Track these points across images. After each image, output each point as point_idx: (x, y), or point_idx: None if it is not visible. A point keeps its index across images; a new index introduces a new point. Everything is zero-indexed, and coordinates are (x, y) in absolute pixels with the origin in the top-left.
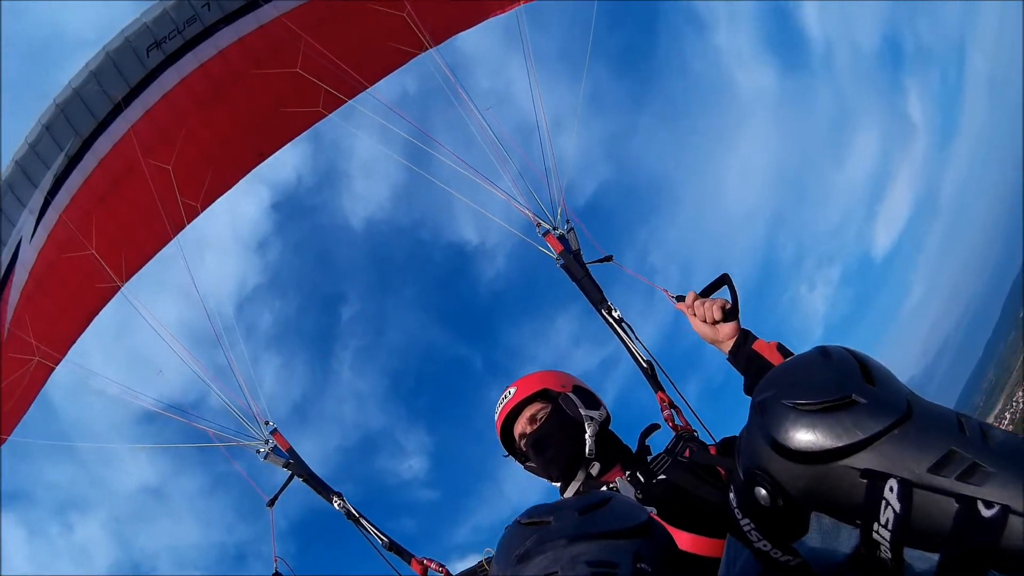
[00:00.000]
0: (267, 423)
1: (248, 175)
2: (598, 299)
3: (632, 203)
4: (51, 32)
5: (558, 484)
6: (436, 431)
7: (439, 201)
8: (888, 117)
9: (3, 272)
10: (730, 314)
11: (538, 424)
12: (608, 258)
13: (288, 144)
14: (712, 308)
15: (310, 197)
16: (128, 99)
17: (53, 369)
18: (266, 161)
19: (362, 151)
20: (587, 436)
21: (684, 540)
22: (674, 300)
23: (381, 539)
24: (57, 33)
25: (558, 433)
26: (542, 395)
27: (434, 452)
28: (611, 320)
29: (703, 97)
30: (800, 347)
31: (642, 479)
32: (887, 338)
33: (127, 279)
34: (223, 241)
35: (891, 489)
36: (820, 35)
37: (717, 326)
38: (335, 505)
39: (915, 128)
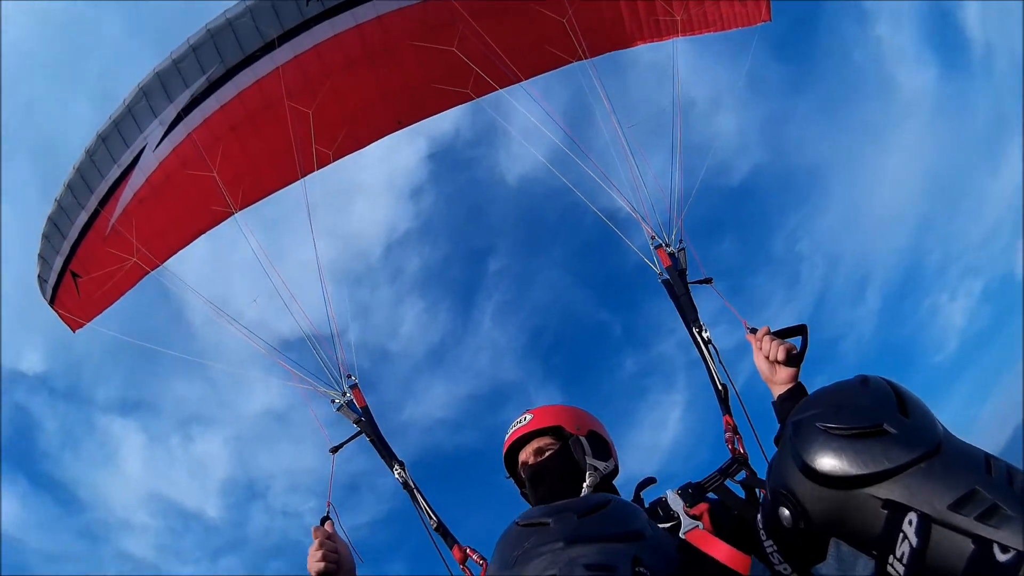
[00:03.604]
0: (349, 376)
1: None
2: (692, 318)
3: (785, 188)
4: None
5: None
6: (566, 390)
7: (595, 169)
8: None
9: (121, 171)
10: (793, 360)
11: (542, 459)
12: (708, 280)
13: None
14: (779, 348)
15: (467, 150)
16: (281, 40)
17: (147, 272)
18: None
19: (520, 118)
20: (585, 485)
21: (722, 551)
22: (748, 329)
23: (432, 518)
24: None
25: (557, 473)
26: (555, 431)
27: None
28: (700, 339)
29: (861, 89)
30: (935, 357)
31: (692, 494)
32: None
33: (242, 208)
34: (377, 186)
35: (910, 523)
36: (980, 37)
37: (777, 367)
38: (395, 474)
39: None
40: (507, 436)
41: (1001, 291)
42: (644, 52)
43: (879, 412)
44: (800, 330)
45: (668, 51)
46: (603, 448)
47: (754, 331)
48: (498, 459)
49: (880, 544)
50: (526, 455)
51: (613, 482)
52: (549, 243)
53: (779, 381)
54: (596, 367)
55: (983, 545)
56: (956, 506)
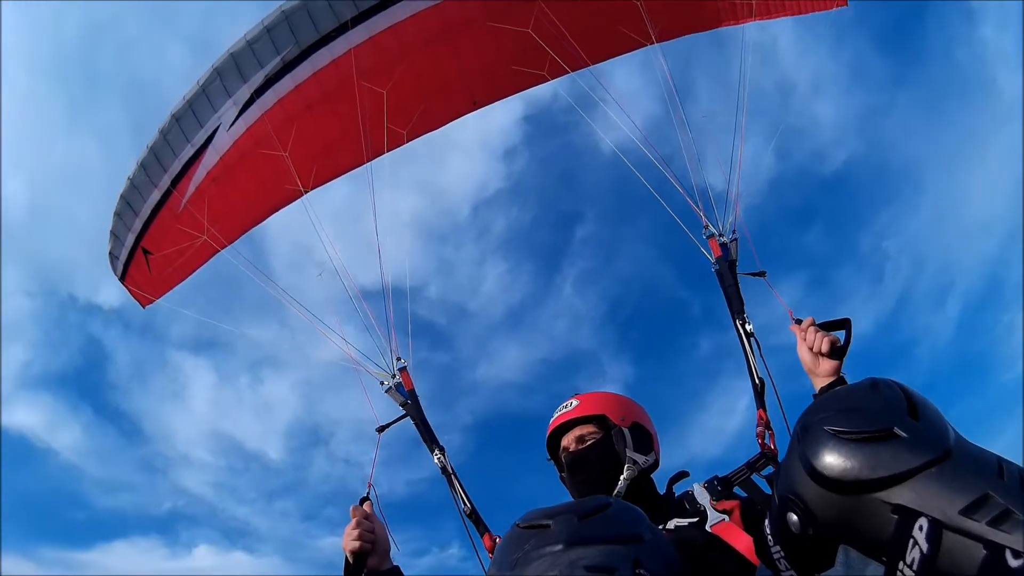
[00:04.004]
0: (399, 359)
1: None
2: (738, 309)
3: (878, 182)
4: None
5: None
6: (639, 364)
7: (689, 144)
8: None
9: (195, 150)
10: (836, 353)
11: (583, 447)
12: (762, 274)
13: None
14: (823, 340)
15: (563, 115)
16: (356, 21)
17: (217, 250)
18: None
19: (620, 82)
20: (622, 478)
21: (743, 543)
22: (793, 320)
23: (466, 504)
24: None
25: (597, 463)
26: (599, 420)
27: (632, 384)
28: (743, 332)
29: (963, 89)
30: (1005, 375)
31: (719, 487)
32: None
33: (313, 187)
34: (471, 144)
35: (920, 528)
36: None
37: (820, 359)
38: (434, 458)
39: None
40: (552, 420)
41: None
42: (747, 30)
43: (889, 415)
44: (844, 323)
45: (772, 31)
46: (646, 441)
47: (799, 322)
48: None
49: (890, 550)
50: (568, 441)
51: (653, 476)
52: (637, 213)
53: (822, 373)
54: (672, 345)
55: (995, 551)
56: (967, 511)
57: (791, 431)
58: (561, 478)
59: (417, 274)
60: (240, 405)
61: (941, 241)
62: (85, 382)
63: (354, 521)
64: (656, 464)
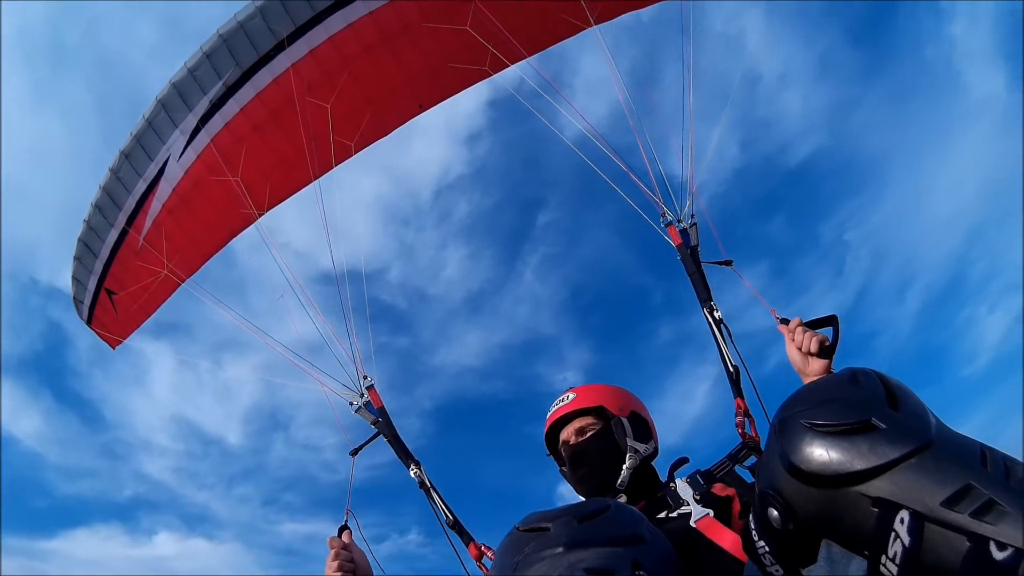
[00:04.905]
0: (365, 377)
1: None
2: (704, 297)
3: (843, 174)
4: None
5: (583, 499)
6: (600, 350)
7: (656, 131)
8: None
9: (147, 184)
10: (826, 352)
11: (583, 439)
12: (728, 263)
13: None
14: (811, 339)
15: (529, 100)
16: (292, 38)
17: (180, 283)
18: None
19: (588, 69)
20: (624, 468)
21: (728, 540)
22: (778, 320)
23: (447, 516)
24: None
25: (598, 454)
26: (598, 411)
27: (592, 371)
28: (711, 319)
29: (931, 86)
30: (965, 370)
31: (702, 482)
32: None
33: (268, 209)
34: (435, 128)
35: (902, 521)
36: None
37: (809, 359)
38: (411, 473)
39: None
40: (549, 414)
41: None
42: (716, 23)
43: (867, 407)
44: (831, 321)
45: (740, 22)
46: (644, 430)
47: (785, 321)
48: (522, 410)
49: (872, 544)
50: (567, 434)
51: (653, 463)
52: (602, 199)
53: (812, 372)
54: (632, 331)
55: (979, 543)
56: (949, 502)
57: (769, 418)
58: (561, 472)
59: (380, 257)
60: (201, 388)
61: (903, 235)
62: (46, 367)
63: (332, 553)
64: (656, 452)
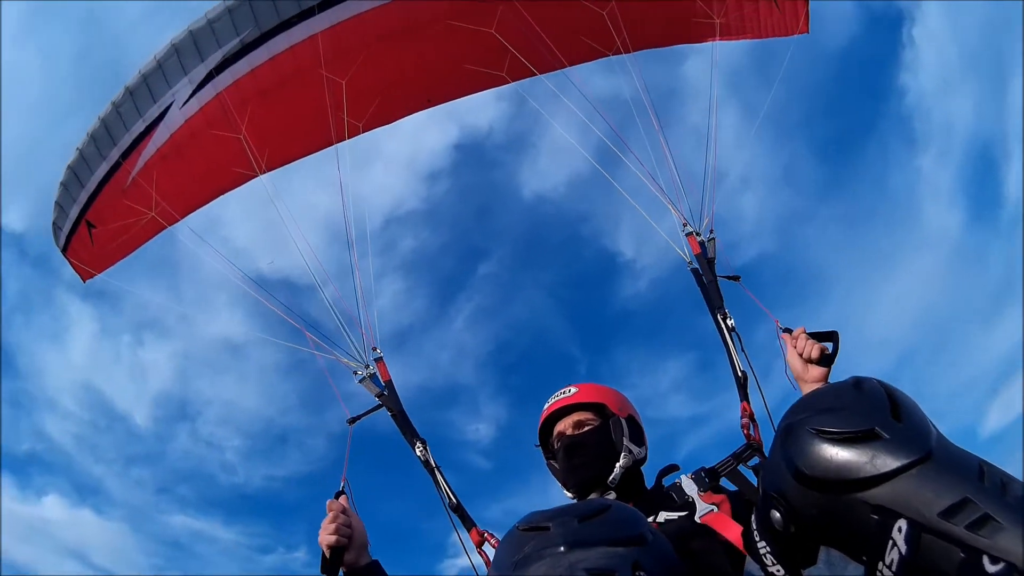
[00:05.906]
0: (375, 348)
1: (442, 110)
2: (717, 304)
3: (784, 283)
4: None
5: (571, 495)
6: (515, 409)
7: (610, 207)
8: None
9: (146, 125)
10: (826, 360)
11: (581, 432)
12: (736, 278)
13: (481, 94)
14: (813, 347)
15: (494, 152)
16: (321, 6)
17: (164, 227)
18: (465, 100)
19: (556, 133)
20: (618, 465)
21: (734, 533)
22: (780, 329)
23: (451, 498)
24: None
25: (594, 448)
26: (598, 408)
27: (504, 427)
28: (724, 326)
29: (888, 212)
30: None
31: (706, 479)
32: None
33: (267, 171)
34: (398, 158)
35: (899, 529)
36: (1016, 197)
37: (809, 366)
38: (416, 451)
39: None
40: (548, 404)
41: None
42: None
43: (872, 416)
44: (832, 336)
45: (718, 117)
46: (639, 434)
47: (788, 331)
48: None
49: (869, 550)
50: (564, 426)
51: (642, 469)
52: (543, 263)
53: (811, 380)
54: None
55: (973, 555)
56: (946, 514)
57: (774, 423)
58: (550, 466)
59: (318, 272)
60: (117, 362)
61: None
62: None
63: (331, 515)
64: (646, 458)
